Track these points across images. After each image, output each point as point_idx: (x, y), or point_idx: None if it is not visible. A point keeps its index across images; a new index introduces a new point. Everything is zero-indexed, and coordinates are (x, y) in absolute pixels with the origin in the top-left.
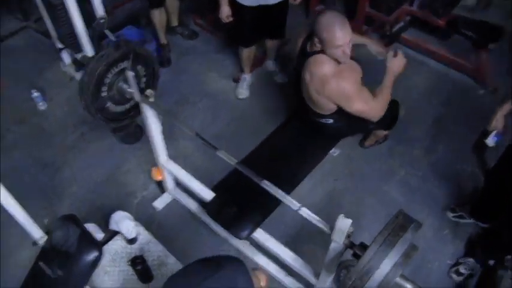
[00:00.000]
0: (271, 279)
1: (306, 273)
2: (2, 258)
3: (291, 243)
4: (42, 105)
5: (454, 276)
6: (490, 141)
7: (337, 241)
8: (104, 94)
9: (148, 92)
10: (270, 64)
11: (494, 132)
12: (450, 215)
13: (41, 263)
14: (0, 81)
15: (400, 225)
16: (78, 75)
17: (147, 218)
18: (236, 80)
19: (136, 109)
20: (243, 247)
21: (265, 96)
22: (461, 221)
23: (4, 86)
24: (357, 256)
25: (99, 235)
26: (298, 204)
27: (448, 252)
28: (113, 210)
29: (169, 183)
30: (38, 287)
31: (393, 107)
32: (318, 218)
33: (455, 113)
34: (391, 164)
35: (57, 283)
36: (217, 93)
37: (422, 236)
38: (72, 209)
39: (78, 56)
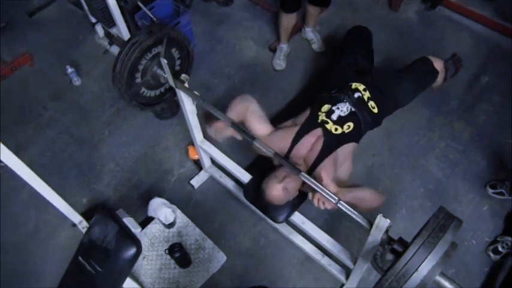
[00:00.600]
0: (308, 258)
1: (343, 257)
2: (42, 239)
3: (328, 221)
4: (77, 81)
5: (492, 254)
6: None
7: (375, 237)
8: (138, 81)
9: (183, 76)
10: (308, 32)
11: None
12: (490, 191)
13: (80, 259)
14: (33, 57)
15: (440, 225)
16: (112, 49)
17: (184, 196)
18: (273, 49)
19: (171, 91)
20: (280, 226)
21: (303, 67)
22: (502, 197)
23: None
24: (394, 252)
25: (136, 230)
26: (336, 198)
27: (487, 229)
28: (151, 188)
29: (206, 162)
30: (78, 281)
31: (423, 65)
32: (356, 212)
33: (499, 82)
34: (431, 137)
35: (97, 278)
36: (253, 64)
37: (461, 213)
38: (110, 187)
39: (112, 30)
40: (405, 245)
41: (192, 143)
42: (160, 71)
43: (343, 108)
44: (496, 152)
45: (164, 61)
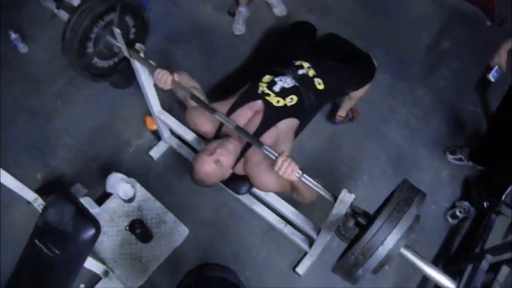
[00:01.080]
0: (271, 228)
1: (306, 228)
2: None
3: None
4: (23, 48)
5: (450, 219)
6: (492, 76)
7: (340, 211)
8: (89, 50)
9: (138, 46)
10: None
11: (496, 68)
12: (450, 157)
13: (36, 242)
14: None
15: (405, 198)
16: (60, 13)
17: (143, 168)
18: (232, 13)
19: (126, 60)
20: (242, 197)
21: (263, 31)
22: (460, 163)
23: None
24: (358, 225)
25: (94, 210)
26: (300, 172)
27: (445, 195)
28: (108, 161)
29: (165, 133)
30: (35, 264)
31: (368, 62)
32: (320, 186)
33: (460, 48)
34: (392, 104)
35: (56, 261)
36: (212, 29)
37: (421, 179)
38: (66, 161)
39: None
40: (369, 218)
41: (149, 113)
42: (114, 40)
43: (286, 80)
44: (456, 118)
45: (117, 30)
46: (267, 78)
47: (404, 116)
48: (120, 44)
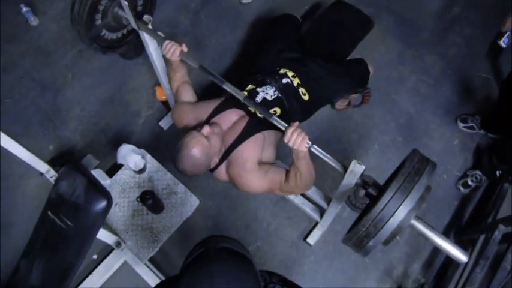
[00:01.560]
0: (281, 198)
1: (317, 198)
2: (9, 189)
3: None
4: (34, 21)
5: (462, 188)
6: (503, 42)
7: (350, 181)
8: (98, 23)
9: (146, 18)
10: None
11: (508, 33)
12: (461, 125)
13: (49, 213)
14: None
15: (416, 169)
16: None
17: (153, 139)
18: None
19: (134, 32)
20: None
21: None
22: (472, 131)
23: None
24: (368, 195)
25: (106, 182)
26: (309, 142)
27: (457, 163)
28: (119, 132)
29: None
30: (49, 236)
31: (360, 67)
32: (329, 156)
33: (470, 13)
34: (402, 71)
35: (69, 233)
36: None
37: (432, 147)
38: (77, 132)
39: None
40: (379, 189)
41: (159, 83)
42: (122, 12)
43: (268, 91)
44: (467, 86)
45: (125, 2)
46: (249, 87)
47: (414, 84)
48: (128, 16)
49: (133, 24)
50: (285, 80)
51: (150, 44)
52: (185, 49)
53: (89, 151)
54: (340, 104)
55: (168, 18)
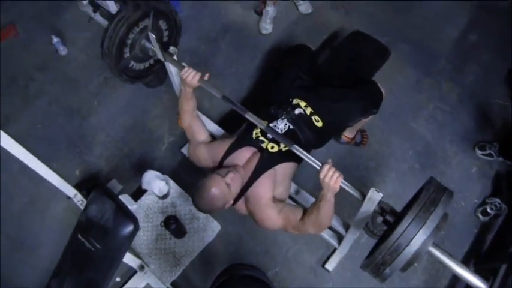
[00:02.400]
0: None
1: (335, 224)
2: (38, 212)
3: (319, 186)
4: (63, 50)
5: (481, 216)
6: None
7: (368, 208)
8: (126, 55)
9: (172, 49)
10: None
11: None
12: (479, 152)
13: (79, 236)
14: (16, 28)
15: (432, 198)
16: (97, 17)
17: (176, 165)
18: (259, 13)
19: (160, 62)
20: None
21: (290, 29)
22: (490, 159)
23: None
24: (386, 222)
25: (132, 206)
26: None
27: (476, 191)
28: (142, 158)
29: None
30: (78, 257)
31: (372, 88)
32: (348, 184)
33: (487, 41)
34: (419, 99)
35: (97, 255)
36: (240, 28)
37: (450, 175)
38: (102, 157)
39: None
40: (397, 216)
41: None
42: (149, 44)
43: (279, 126)
44: (484, 113)
45: (153, 36)
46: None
47: (432, 111)
48: (155, 48)
49: (160, 56)
50: (297, 111)
51: (175, 74)
52: (206, 77)
53: (113, 176)
54: (348, 134)
55: (190, 47)
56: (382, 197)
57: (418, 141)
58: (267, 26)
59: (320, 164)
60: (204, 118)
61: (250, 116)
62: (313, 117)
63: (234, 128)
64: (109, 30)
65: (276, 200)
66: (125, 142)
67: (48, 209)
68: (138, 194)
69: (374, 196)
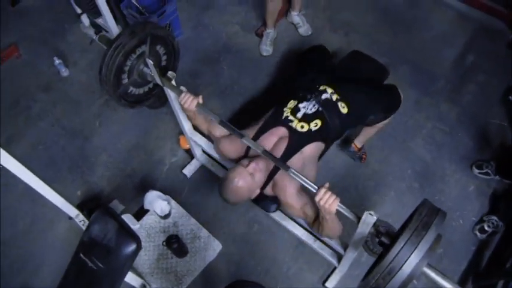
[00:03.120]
0: (301, 243)
1: (334, 244)
2: (40, 232)
3: None
4: (65, 72)
5: (478, 233)
6: None
7: (363, 231)
8: (124, 81)
9: (170, 74)
10: (294, 16)
11: None
12: (476, 171)
13: (81, 256)
14: (19, 49)
15: (424, 221)
16: (98, 39)
17: (177, 185)
18: (259, 35)
19: (159, 86)
20: (272, 214)
21: (290, 51)
22: (487, 177)
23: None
24: (382, 244)
25: (135, 226)
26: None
27: (473, 209)
28: (144, 178)
29: (197, 151)
30: (80, 277)
31: (393, 91)
32: (344, 207)
33: (485, 62)
34: (418, 119)
35: (99, 274)
36: (240, 50)
37: (448, 193)
38: (104, 178)
39: (98, 20)
40: (391, 238)
41: (183, 132)
42: (147, 70)
43: (309, 106)
44: (481, 132)
45: (150, 62)
46: (291, 103)
47: (430, 131)
48: (153, 73)
49: (158, 81)
50: (324, 96)
51: (174, 98)
52: (200, 101)
53: (115, 196)
54: (358, 143)
55: (192, 68)
56: (381, 216)
57: (417, 160)
58: (267, 48)
59: (316, 188)
60: (203, 140)
61: (247, 140)
62: (339, 103)
63: None
64: (106, 58)
65: (301, 191)
66: (127, 163)
67: (50, 230)
68: (140, 214)
69: (368, 219)
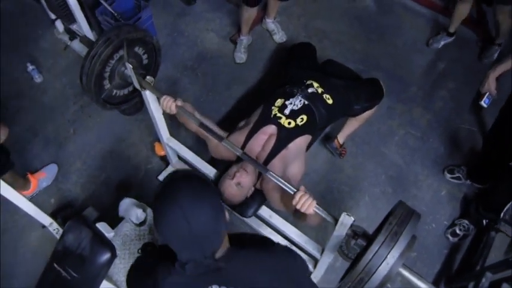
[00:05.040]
0: None
1: (310, 248)
2: (11, 241)
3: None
4: (38, 78)
5: (450, 237)
6: (484, 103)
7: (340, 233)
8: (107, 87)
9: (148, 79)
10: (269, 23)
11: (487, 94)
12: (448, 176)
13: (55, 265)
14: None
15: (400, 220)
16: (73, 44)
17: (153, 192)
18: (234, 41)
19: None
20: (249, 220)
21: (264, 58)
22: (459, 182)
23: None
24: (358, 246)
25: (110, 234)
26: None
27: (445, 213)
28: (119, 185)
29: (173, 158)
30: (54, 287)
31: (374, 81)
32: (321, 209)
33: (455, 69)
34: (391, 125)
35: (73, 284)
36: (216, 56)
37: (421, 198)
38: (78, 185)
39: (73, 26)
40: (368, 239)
41: (158, 139)
42: (128, 71)
43: (295, 102)
44: (452, 138)
45: (129, 66)
46: (278, 102)
47: (403, 137)
48: (132, 78)
49: (136, 85)
50: (310, 90)
51: (152, 102)
52: (179, 103)
53: (89, 204)
54: (340, 139)
55: (167, 75)
56: (356, 221)
57: (390, 166)
58: (241, 56)
59: (294, 190)
60: (180, 146)
61: (226, 143)
62: (324, 96)
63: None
64: (84, 68)
65: (288, 179)
66: (102, 170)
67: (21, 239)
68: (115, 221)
69: (346, 221)
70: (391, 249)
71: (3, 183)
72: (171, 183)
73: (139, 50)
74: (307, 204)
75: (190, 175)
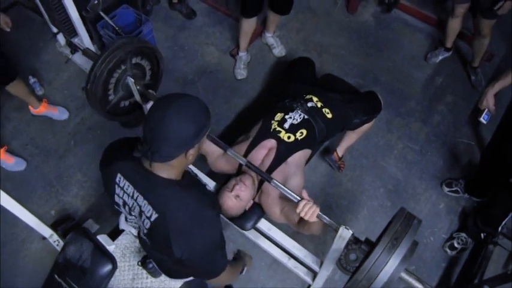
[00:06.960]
0: (275, 261)
1: (309, 262)
2: (11, 253)
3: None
4: (39, 91)
5: (448, 250)
6: (483, 119)
7: (339, 246)
8: (111, 98)
9: (150, 93)
10: (269, 38)
11: (485, 111)
12: (446, 189)
13: (56, 277)
14: None
15: (402, 225)
16: (74, 57)
17: None
18: (234, 55)
19: None
20: (248, 232)
21: (264, 72)
22: (457, 195)
23: None
24: (362, 251)
25: (110, 246)
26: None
27: (443, 226)
28: None
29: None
30: None
31: (371, 95)
32: (324, 216)
33: (453, 83)
34: (389, 139)
35: None
36: (216, 70)
37: (419, 211)
38: (78, 197)
39: (74, 40)
40: (371, 245)
41: None
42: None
43: (295, 116)
44: (450, 151)
45: (131, 80)
46: (278, 116)
47: (401, 150)
48: (134, 92)
49: (138, 99)
50: (310, 104)
51: None
52: None
53: (90, 216)
54: (339, 152)
55: (168, 89)
56: (356, 233)
57: (389, 179)
58: (242, 72)
59: (298, 198)
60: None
61: (231, 152)
62: (323, 110)
63: None
64: (87, 89)
65: (282, 197)
66: (102, 182)
67: (21, 250)
68: (115, 233)
69: (344, 234)
70: (391, 257)
71: (3, 194)
72: (170, 95)
73: (141, 61)
74: (311, 211)
75: (192, 96)
